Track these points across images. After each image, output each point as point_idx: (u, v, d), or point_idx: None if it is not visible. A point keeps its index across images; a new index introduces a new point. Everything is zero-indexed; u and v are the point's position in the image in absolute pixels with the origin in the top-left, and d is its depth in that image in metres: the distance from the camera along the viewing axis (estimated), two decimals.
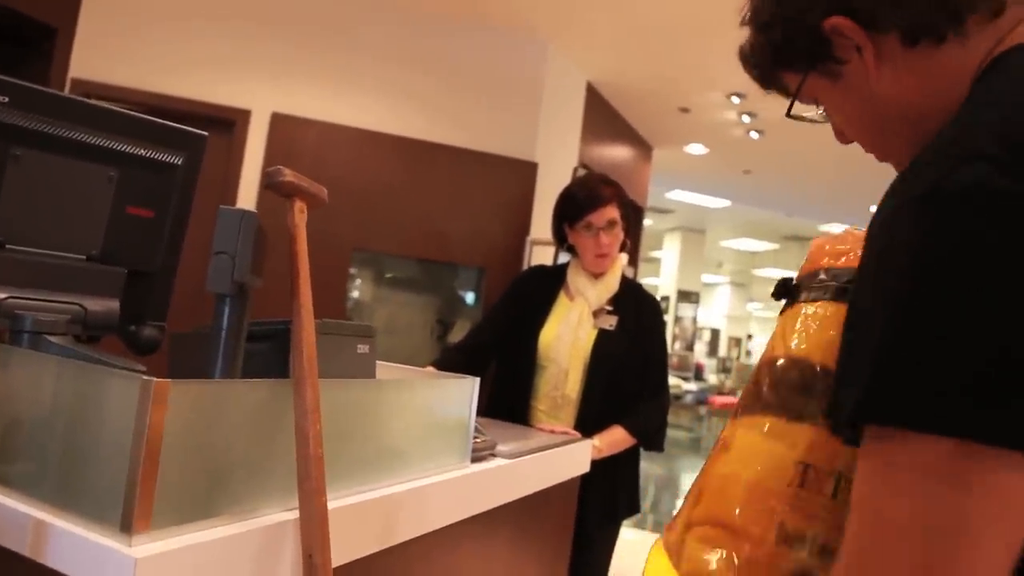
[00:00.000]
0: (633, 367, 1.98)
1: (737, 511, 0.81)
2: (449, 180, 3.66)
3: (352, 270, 3.76)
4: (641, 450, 2.03)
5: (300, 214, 0.90)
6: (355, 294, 3.80)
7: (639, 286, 2.15)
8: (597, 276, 2.04)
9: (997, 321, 0.45)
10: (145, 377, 0.68)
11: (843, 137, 0.76)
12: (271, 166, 0.88)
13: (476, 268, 3.73)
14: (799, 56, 0.71)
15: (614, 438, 1.90)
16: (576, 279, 2.06)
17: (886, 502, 0.47)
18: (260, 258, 0.89)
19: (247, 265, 0.77)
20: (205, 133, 1.01)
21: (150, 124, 0.95)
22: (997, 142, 0.48)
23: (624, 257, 2.13)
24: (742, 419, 0.87)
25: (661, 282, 12.00)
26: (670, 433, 2.16)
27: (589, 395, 1.94)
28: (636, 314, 2.03)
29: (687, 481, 7.61)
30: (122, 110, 0.94)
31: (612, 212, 2.00)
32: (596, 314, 2.00)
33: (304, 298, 0.87)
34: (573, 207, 2.03)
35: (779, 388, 0.83)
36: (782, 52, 0.72)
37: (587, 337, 1.97)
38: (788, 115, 0.77)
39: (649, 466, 8.12)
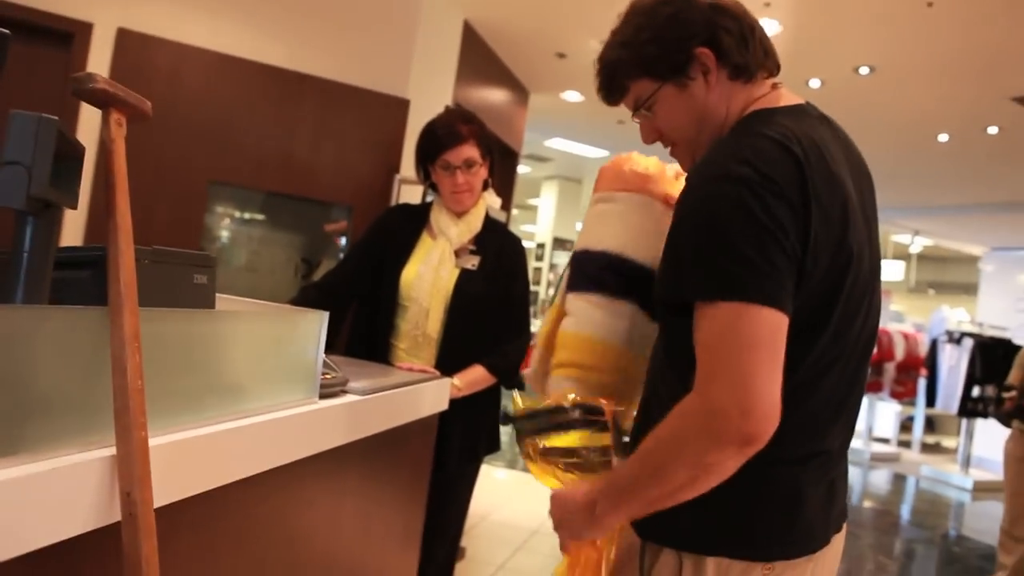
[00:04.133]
0: (495, 307, 1.99)
1: (588, 356, 1.21)
2: (315, 113, 3.49)
3: (219, 208, 3.54)
4: (501, 389, 2.06)
5: (117, 127, 0.81)
6: (216, 231, 3.59)
7: (502, 225, 2.15)
8: (459, 215, 2.02)
9: (733, 238, 0.87)
10: None
11: (653, 136, 1.12)
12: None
13: (344, 206, 3.60)
14: (664, 69, 1.04)
15: (474, 377, 1.92)
16: (439, 218, 2.02)
17: (707, 333, 0.88)
18: (71, 173, 0.80)
19: (46, 177, 0.69)
20: (6, 31, 0.89)
21: None
22: (753, 156, 0.91)
23: (491, 196, 2.12)
24: (571, 295, 1.25)
25: (538, 229, 12.14)
26: None
27: (450, 334, 1.94)
28: (498, 254, 2.02)
29: None
30: None
31: (470, 151, 1.96)
32: (458, 253, 1.99)
33: (122, 219, 0.80)
34: (432, 144, 1.99)
35: (602, 273, 1.22)
36: (652, 64, 1.05)
37: (448, 276, 1.95)
38: (634, 115, 1.11)
39: None
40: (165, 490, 0.84)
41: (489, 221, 2.07)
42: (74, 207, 0.84)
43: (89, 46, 3.14)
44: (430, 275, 1.94)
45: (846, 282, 0.96)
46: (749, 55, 1.04)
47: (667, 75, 1.04)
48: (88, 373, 0.77)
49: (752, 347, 0.84)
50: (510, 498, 4.55)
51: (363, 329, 2.02)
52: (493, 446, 2.09)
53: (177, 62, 3.26)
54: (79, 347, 0.76)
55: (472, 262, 1.98)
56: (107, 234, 0.79)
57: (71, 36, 3.12)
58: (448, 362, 1.92)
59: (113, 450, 0.78)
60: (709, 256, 0.89)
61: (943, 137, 5.95)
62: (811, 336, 0.96)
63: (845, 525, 1.12)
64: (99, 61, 3.17)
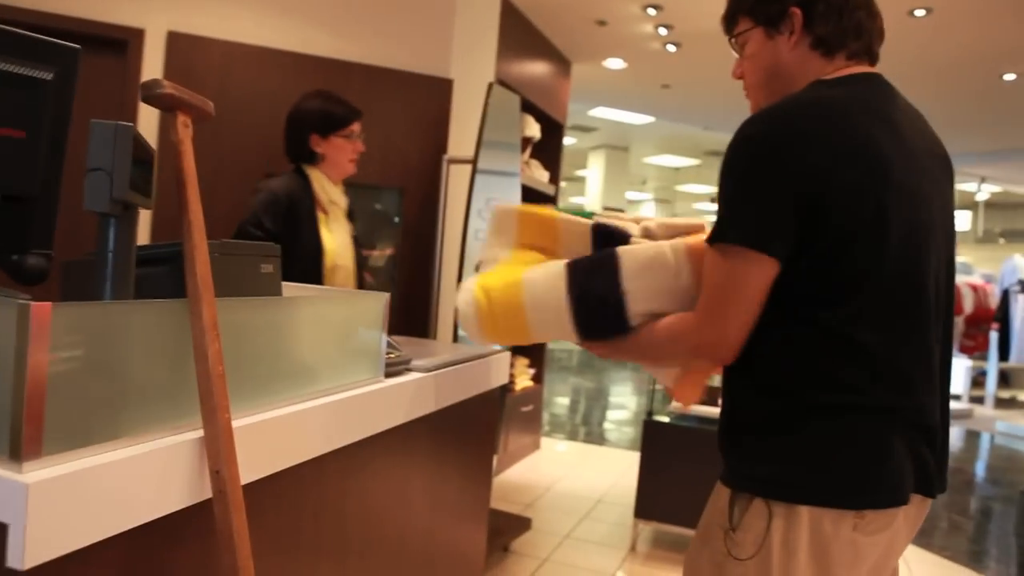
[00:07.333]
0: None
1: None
2: (362, 99, 3.51)
3: None
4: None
5: (184, 128, 0.86)
6: None
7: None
8: (337, 184, 2.30)
9: (753, 188, 1.01)
10: (22, 301, 0.66)
11: (738, 72, 1.23)
12: None
13: (395, 189, 3.66)
14: (760, 14, 1.17)
15: None
16: (330, 190, 2.27)
17: (708, 272, 1.07)
18: (145, 175, 0.85)
19: (126, 181, 0.73)
20: (77, 46, 0.94)
21: (9, 36, 0.88)
22: (780, 114, 1.03)
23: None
24: None
25: (586, 200, 12.07)
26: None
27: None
28: (350, 213, 2.37)
29: (615, 395, 7.89)
30: None
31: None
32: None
33: (195, 215, 0.85)
34: (336, 117, 2.25)
35: None
36: (753, 6, 1.17)
37: (350, 240, 2.29)
38: (732, 37, 1.23)
39: (580, 381, 8.37)
40: (250, 468, 0.90)
41: None
42: (149, 207, 0.90)
43: (142, 51, 3.25)
44: (347, 241, 2.25)
45: (889, 235, 1.00)
46: (834, 28, 1.11)
47: (761, 20, 1.17)
48: (173, 361, 0.83)
49: (735, 292, 1.03)
50: (573, 468, 4.60)
51: None
52: None
53: (226, 60, 3.35)
54: (164, 338, 0.82)
55: (352, 226, 2.33)
56: (181, 230, 0.84)
57: (125, 43, 3.23)
58: None
59: (201, 432, 0.83)
60: (723, 204, 1.05)
61: (1009, 76, 5.67)
62: (860, 285, 1.01)
63: (925, 501, 1.10)
64: (152, 64, 3.28)
